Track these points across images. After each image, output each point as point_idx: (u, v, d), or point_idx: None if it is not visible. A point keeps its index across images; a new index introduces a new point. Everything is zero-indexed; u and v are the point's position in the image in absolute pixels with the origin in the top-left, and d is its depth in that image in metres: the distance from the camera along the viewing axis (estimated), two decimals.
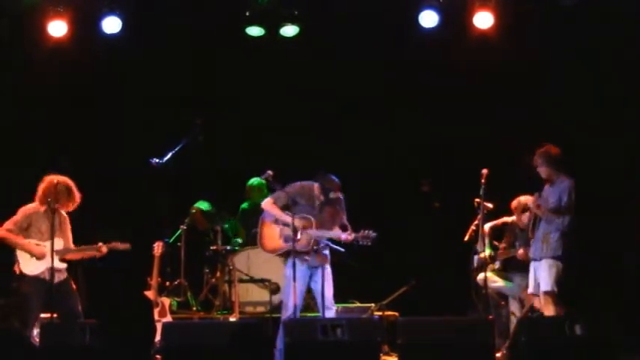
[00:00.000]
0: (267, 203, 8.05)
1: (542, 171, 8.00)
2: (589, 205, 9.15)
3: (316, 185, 7.97)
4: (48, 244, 7.79)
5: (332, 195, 7.88)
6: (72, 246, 8.10)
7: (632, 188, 9.42)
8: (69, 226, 8.14)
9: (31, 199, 8.04)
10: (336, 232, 7.89)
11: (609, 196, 9.46)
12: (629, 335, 7.17)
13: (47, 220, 7.88)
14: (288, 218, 7.78)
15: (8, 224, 7.89)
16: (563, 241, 7.83)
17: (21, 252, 7.86)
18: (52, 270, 7.71)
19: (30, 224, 7.90)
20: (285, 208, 7.85)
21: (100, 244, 8.05)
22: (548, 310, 7.84)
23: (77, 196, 8.04)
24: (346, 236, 7.79)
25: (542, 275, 7.90)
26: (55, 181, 7.93)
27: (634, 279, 9.26)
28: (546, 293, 7.86)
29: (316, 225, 7.84)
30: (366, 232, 7.73)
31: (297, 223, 7.80)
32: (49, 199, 7.83)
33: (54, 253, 7.77)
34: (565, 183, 7.90)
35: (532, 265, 8.04)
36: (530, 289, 8.06)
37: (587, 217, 9.07)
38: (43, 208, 7.93)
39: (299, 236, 7.82)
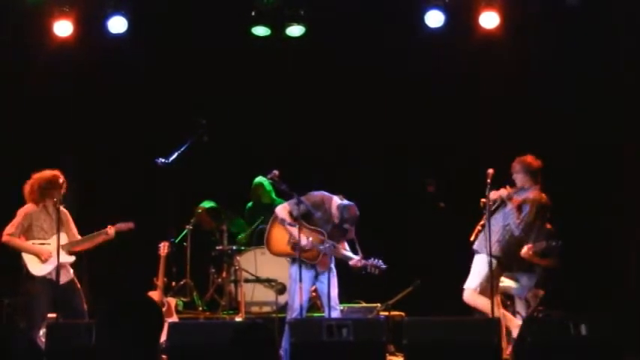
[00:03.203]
0: (281, 210, 8.00)
1: (519, 178, 7.97)
2: (589, 206, 9.21)
3: (336, 202, 7.89)
4: (52, 240, 7.82)
5: (345, 226, 7.81)
6: (78, 237, 8.11)
7: (631, 189, 9.40)
8: (70, 219, 8.15)
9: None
10: (348, 254, 7.89)
11: (608, 197, 9.44)
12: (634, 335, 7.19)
13: (47, 216, 7.90)
14: (295, 232, 7.73)
15: (9, 228, 7.86)
16: (504, 244, 7.86)
17: (26, 254, 7.85)
18: (58, 269, 7.74)
19: (31, 224, 7.89)
20: (299, 217, 7.78)
21: (109, 226, 8.07)
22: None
23: (59, 178, 7.94)
24: (355, 262, 7.79)
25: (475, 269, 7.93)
26: (35, 179, 7.93)
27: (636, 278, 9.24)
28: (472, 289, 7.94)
29: (328, 238, 7.82)
30: (377, 261, 7.73)
31: (310, 236, 7.80)
32: (45, 199, 7.85)
33: (60, 248, 7.79)
34: (533, 194, 7.83)
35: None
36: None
37: (587, 217, 9.15)
38: (37, 207, 7.92)
39: (308, 247, 7.81)
